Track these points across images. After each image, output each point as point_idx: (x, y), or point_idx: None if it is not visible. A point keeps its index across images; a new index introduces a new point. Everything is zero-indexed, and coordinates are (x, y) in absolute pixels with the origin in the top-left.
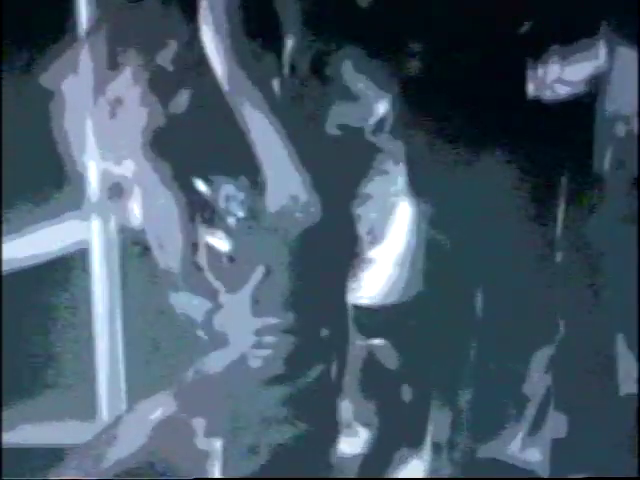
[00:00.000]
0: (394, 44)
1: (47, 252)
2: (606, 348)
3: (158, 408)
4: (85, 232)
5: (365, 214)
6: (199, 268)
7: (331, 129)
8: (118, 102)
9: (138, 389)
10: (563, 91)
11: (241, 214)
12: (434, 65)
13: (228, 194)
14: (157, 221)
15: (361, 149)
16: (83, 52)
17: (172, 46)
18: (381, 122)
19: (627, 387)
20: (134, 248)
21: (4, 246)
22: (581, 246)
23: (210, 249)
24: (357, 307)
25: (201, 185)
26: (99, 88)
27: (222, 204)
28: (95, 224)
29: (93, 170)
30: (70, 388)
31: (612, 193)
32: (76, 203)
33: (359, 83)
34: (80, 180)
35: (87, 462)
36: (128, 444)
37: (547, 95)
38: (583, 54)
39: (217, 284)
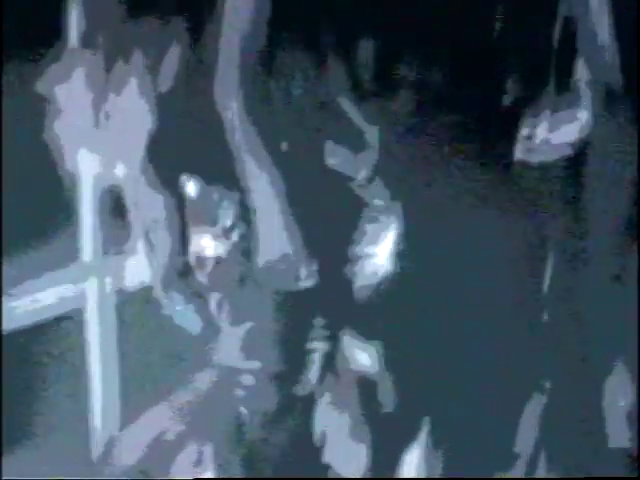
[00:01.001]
0: (384, 102)
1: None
2: (594, 404)
3: (152, 427)
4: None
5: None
6: (189, 269)
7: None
8: (112, 107)
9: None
10: (550, 153)
11: (229, 222)
12: (425, 124)
13: (217, 201)
14: (148, 223)
15: (351, 204)
16: (79, 59)
17: (174, 55)
18: (370, 177)
19: (616, 441)
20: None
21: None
22: (569, 304)
23: (199, 253)
24: None
25: (190, 188)
26: (95, 95)
27: (211, 210)
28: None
29: (85, 175)
30: (66, 435)
31: (602, 251)
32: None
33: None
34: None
35: None
36: (123, 462)
37: (534, 157)
38: (570, 117)
39: (206, 286)
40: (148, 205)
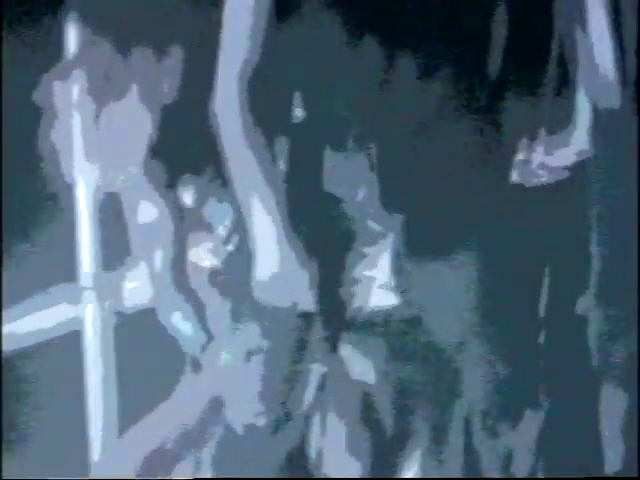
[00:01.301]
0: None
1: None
2: (591, 428)
3: (148, 439)
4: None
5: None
6: (187, 276)
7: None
8: (110, 114)
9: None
10: (547, 177)
11: (224, 234)
12: (419, 149)
13: (213, 209)
14: (146, 229)
15: (347, 230)
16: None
17: (174, 67)
18: (364, 204)
19: (612, 466)
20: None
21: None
22: (566, 326)
23: (196, 262)
24: None
25: (187, 197)
26: (93, 103)
27: (207, 219)
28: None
29: (83, 184)
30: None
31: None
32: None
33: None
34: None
35: None
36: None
37: (531, 180)
38: (567, 141)
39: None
40: (146, 214)
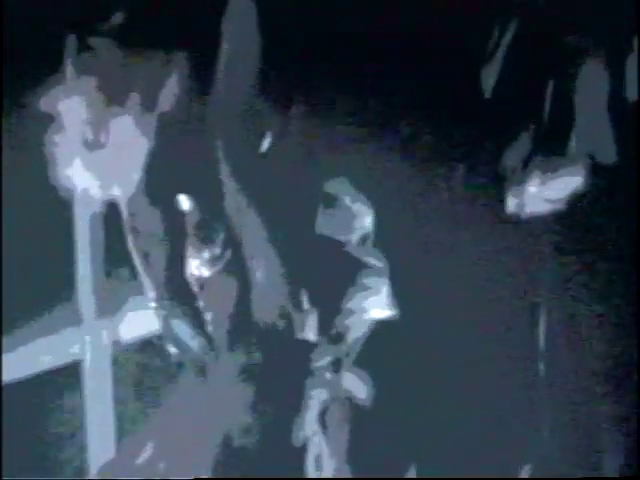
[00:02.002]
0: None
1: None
2: (592, 462)
3: (143, 451)
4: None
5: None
6: (186, 284)
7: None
8: (109, 124)
9: None
10: (543, 208)
11: (218, 251)
12: (417, 182)
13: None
14: (145, 238)
15: (345, 263)
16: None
17: (174, 83)
18: (365, 237)
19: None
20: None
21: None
22: (564, 357)
23: (194, 273)
24: None
25: (184, 203)
26: (94, 112)
27: (204, 230)
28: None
29: (82, 195)
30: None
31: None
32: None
33: (346, 198)
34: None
35: None
36: None
37: (526, 212)
38: (563, 173)
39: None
40: (146, 225)
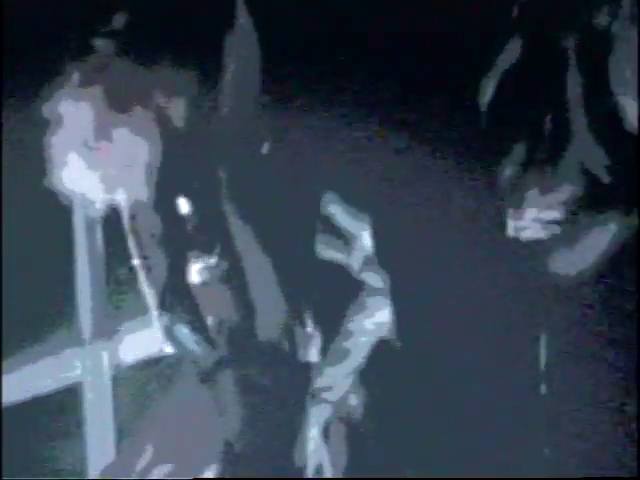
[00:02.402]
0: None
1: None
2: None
3: (142, 457)
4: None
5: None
6: (186, 289)
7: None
8: (112, 132)
9: None
10: (542, 231)
11: (213, 261)
12: (418, 201)
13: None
14: (145, 242)
15: (346, 285)
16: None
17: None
18: (367, 259)
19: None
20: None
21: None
22: (565, 377)
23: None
24: None
25: (184, 206)
26: (98, 119)
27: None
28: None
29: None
30: None
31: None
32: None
33: (347, 222)
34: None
35: None
36: None
37: (526, 234)
38: (561, 196)
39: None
40: (147, 229)
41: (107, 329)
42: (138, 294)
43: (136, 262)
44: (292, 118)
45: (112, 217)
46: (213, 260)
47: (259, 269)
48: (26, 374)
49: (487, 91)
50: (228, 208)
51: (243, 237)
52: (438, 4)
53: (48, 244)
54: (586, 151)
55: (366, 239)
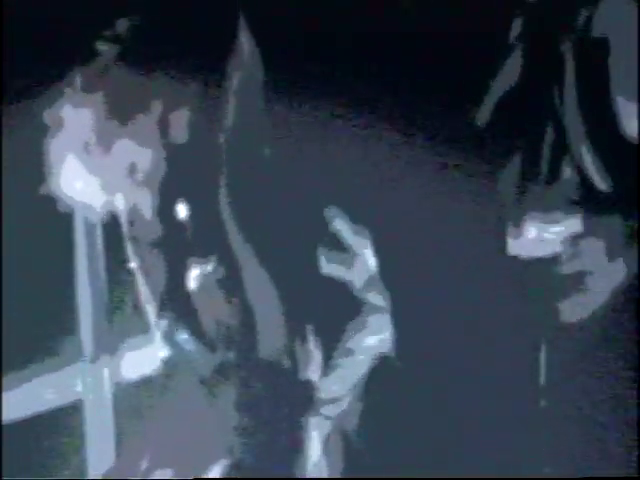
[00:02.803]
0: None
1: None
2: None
3: (144, 459)
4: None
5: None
6: (185, 295)
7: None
8: (110, 138)
9: None
10: (542, 250)
11: (209, 268)
12: (417, 217)
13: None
14: (145, 247)
15: (348, 303)
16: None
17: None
18: (370, 279)
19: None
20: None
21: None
22: (566, 392)
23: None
24: None
25: (182, 211)
26: (99, 125)
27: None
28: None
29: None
30: None
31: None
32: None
33: (349, 239)
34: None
35: None
36: None
37: (526, 253)
38: (561, 216)
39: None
40: (146, 234)
41: (108, 346)
42: (139, 311)
43: (134, 267)
44: (293, 127)
45: (112, 223)
46: (211, 267)
47: (258, 280)
48: (27, 391)
49: (486, 108)
50: (227, 216)
51: (242, 247)
52: (439, 6)
53: (48, 256)
54: (585, 159)
55: (369, 257)
